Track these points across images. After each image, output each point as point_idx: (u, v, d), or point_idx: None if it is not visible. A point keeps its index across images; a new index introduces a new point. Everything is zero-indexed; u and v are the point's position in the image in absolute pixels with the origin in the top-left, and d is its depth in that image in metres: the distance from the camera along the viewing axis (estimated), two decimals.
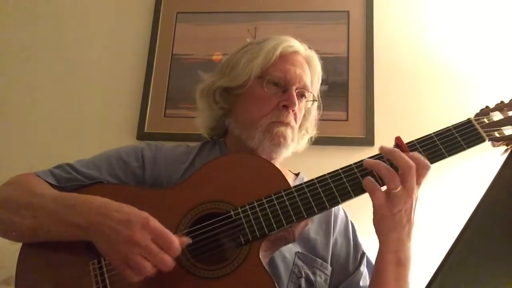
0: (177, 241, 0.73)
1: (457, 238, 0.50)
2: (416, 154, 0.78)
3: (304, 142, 1.10)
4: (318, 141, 1.62)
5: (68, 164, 0.95)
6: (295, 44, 1.04)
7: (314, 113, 1.11)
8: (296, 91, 0.98)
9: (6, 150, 1.78)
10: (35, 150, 1.75)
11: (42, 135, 1.79)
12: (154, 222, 0.73)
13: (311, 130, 1.11)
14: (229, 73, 1.02)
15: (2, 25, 1.97)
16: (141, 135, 1.71)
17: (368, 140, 1.61)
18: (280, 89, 0.98)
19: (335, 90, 1.70)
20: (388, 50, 1.72)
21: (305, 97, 1.03)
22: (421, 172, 0.76)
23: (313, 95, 1.05)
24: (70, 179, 0.91)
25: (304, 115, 1.06)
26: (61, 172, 0.92)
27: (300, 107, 1.00)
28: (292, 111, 0.97)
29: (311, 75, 1.05)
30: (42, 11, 1.96)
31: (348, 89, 1.69)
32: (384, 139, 1.61)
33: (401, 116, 1.64)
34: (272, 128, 0.95)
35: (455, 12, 1.74)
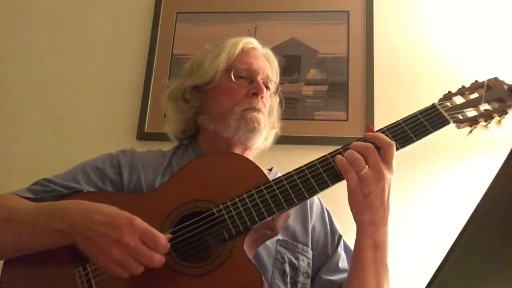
0: (164, 238, 0.74)
1: (457, 238, 0.50)
2: (378, 134, 0.84)
3: (271, 138, 1.13)
4: (318, 141, 1.62)
5: (44, 179, 0.95)
6: (254, 42, 1.13)
7: (277, 108, 1.16)
8: (261, 81, 1.04)
9: (6, 150, 1.78)
10: (35, 150, 1.75)
11: (42, 135, 1.79)
12: (139, 221, 0.73)
13: (276, 124, 1.15)
14: (196, 72, 1.08)
15: (2, 25, 1.97)
16: (141, 135, 1.71)
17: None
18: (246, 80, 1.05)
19: (335, 90, 1.70)
20: (388, 50, 1.72)
21: (269, 89, 1.09)
22: (386, 151, 0.81)
23: (276, 85, 1.12)
24: (48, 191, 0.91)
25: (269, 110, 1.10)
26: (39, 187, 0.93)
27: (266, 97, 1.06)
28: (261, 98, 1.03)
29: (271, 68, 1.12)
30: (42, 11, 1.96)
31: (348, 89, 1.69)
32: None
33: (401, 116, 1.64)
34: (245, 115, 1.00)
35: (456, 12, 1.74)
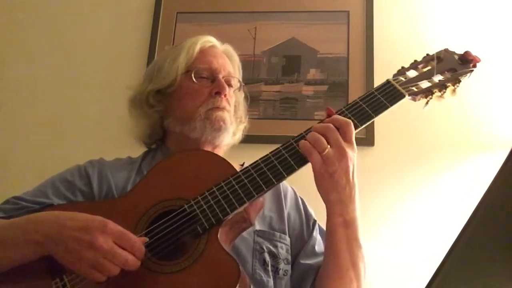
0: (138, 240, 0.74)
1: (457, 238, 0.50)
2: (334, 116, 0.86)
3: (240, 132, 1.14)
4: None
5: (14, 197, 0.94)
6: (212, 40, 1.13)
7: (243, 103, 1.17)
8: (223, 78, 1.05)
9: (6, 150, 1.78)
10: (35, 150, 1.75)
11: (42, 135, 1.78)
12: (113, 225, 0.73)
13: (244, 119, 1.15)
14: (156, 76, 1.08)
15: (2, 24, 1.97)
16: None
17: (368, 140, 1.60)
18: (208, 80, 1.05)
19: (335, 90, 1.70)
20: (388, 50, 1.72)
21: (232, 86, 1.09)
22: (344, 129, 0.83)
23: (239, 81, 1.12)
24: (18, 209, 0.90)
25: (235, 106, 1.11)
26: (8, 206, 0.92)
27: (230, 94, 1.06)
28: (224, 96, 1.03)
29: (232, 65, 1.12)
30: (42, 11, 1.96)
31: (348, 89, 1.69)
32: (384, 139, 1.61)
33: (401, 116, 1.64)
34: (210, 115, 1.01)
35: (456, 12, 1.74)
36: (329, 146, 0.81)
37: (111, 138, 1.73)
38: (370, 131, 1.61)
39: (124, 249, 0.72)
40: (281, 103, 1.72)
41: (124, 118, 1.76)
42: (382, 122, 1.64)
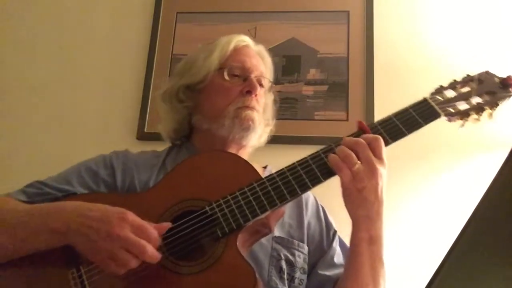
0: (155, 230, 0.74)
1: (457, 238, 0.50)
2: (363, 128, 0.86)
3: (266, 135, 1.13)
4: (318, 141, 1.62)
5: (38, 181, 0.95)
6: (246, 39, 1.11)
7: (271, 105, 1.15)
8: (255, 78, 1.04)
9: (6, 150, 1.78)
10: (35, 150, 1.75)
11: (42, 135, 1.79)
12: (131, 215, 0.74)
13: (271, 122, 1.14)
14: (188, 71, 1.08)
15: (2, 24, 1.97)
16: (141, 135, 1.71)
17: None
18: (240, 78, 1.04)
19: (335, 90, 1.70)
20: (388, 50, 1.72)
21: (263, 86, 1.08)
22: (374, 145, 0.82)
23: (270, 82, 1.11)
24: (41, 194, 0.91)
25: (263, 108, 1.09)
26: (32, 189, 0.92)
27: (260, 94, 1.05)
28: (255, 96, 1.02)
29: (265, 66, 1.11)
30: (42, 11, 1.96)
31: (348, 89, 1.69)
32: None
33: None
34: (240, 113, 1.00)
35: (455, 12, 1.74)
36: (359, 162, 0.80)
37: (111, 138, 1.73)
38: None
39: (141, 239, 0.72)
40: (281, 103, 1.71)
41: (124, 118, 1.77)
42: None
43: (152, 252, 0.72)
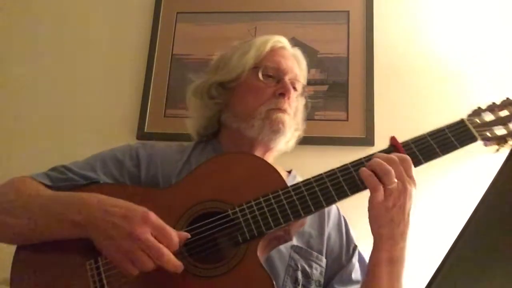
0: (176, 236, 0.73)
1: (457, 238, 0.50)
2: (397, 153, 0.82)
3: (293, 140, 1.11)
4: (318, 141, 1.62)
5: (63, 165, 0.94)
6: (283, 41, 1.09)
7: (302, 110, 1.13)
8: (289, 81, 1.01)
9: (5, 150, 1.78)
10: (35, 150, 1.75)
11: (42, 135, 1.79)
12: (154, 217, 0.73)
13: (300, 127, 1.12)
14: (222, 68, 1.06)
15: (2, 24, 1.97)
16: (141, 135, 1.71)
17: (368, 140, 1.60)
18: (274, 79, 1.02)
19: (335, 90, 1.70)
20: (388, 50, 1.72)
21: (297, 90, 1.06)
22: (406, 164, 0.80)
23: (304, 86, 1.09)
24: (65, 180, 0.90)
25: (294, 112, 1.07)
26: (56, 174, 0.92)
27: (293, 97, 1.03)
28: (288, 98, 1.00)
29: (300, 69, 1.09)
30: (42, 11, 1.96)
31: (348, 89, 1.69)
32: (384, 139, 1.60)
33: (401, 116, 1.64)
34: (271, 115, 0.97)
35: (455, 12, 1.74)
36: (396, 180, 0.77)
37: (111, 137, 1.73)
38: (370, 131, 1.62)
39: (160, 242, 0.71)
40: None
41: (124, 118, 1.77)
42: (382, 122, 1.64)
43: (169, 259, 0.71)
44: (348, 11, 1.78)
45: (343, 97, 1.68)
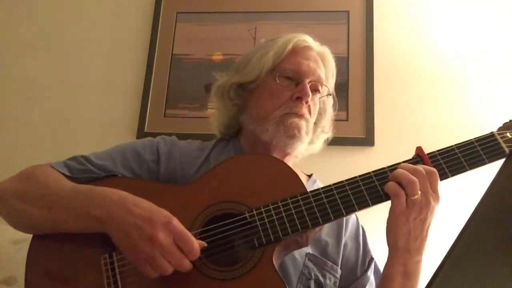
0: (197, 245, 0.72)
1: (457, 238, 0.50)
2: (423, 165, 0.79)
3: (320, 142, 1.07)
4: None
5: (82, 156, 0.93)
6: (308, 40, 1.04)
7: (330, 111, 1.08)
8: (310, 84, 0.97)
9: (5, 150, 1.78)
10: (35, 150, 1.75)
11: (42, 135, 1.79)
12: (176, 223, 0.72)
13: (328, 129, 1.08)
14: (242, 70, 1.03)
15: (2, 24, 1.97)
16: (141, 135, 1.71)
17: (368, 140, 1.60)
18: (293, 82, 0.97)
19: (335, 90, 1.69)
20: (388, 50, 1.72)
21: (319, 92, 1.01)
22: (432, 178, 0.78)
23: (328, 89, 1.04)
24: (84, 171, 0.89)
25: (320, 113, 1.04)
26: (75, 164, 0.91)
27: (314, 101, 0.99)
28: (306, 102, 0.95)
29: (325, 70, 1.03)
30: (42, 11, 1.96)
31: (348, 89, 1.69)
32: (384, 139, 1.61)
33: (401, 116, 1.64)
34: (286, 120, 0.94)
35: (455, 12, 1.74)
36: (420, 192, 0.75)
37: (111, 137, 1.73)
38: (370, 131, 1.62)
39: (181, 250, 0.71)
40: None
41: (124, 118, 1.77)
42: (382, 122, 1.64)
43: (188, 266, 0.71)
44: (348, 11, 1.78)
45: (343, 97, 1.68)
